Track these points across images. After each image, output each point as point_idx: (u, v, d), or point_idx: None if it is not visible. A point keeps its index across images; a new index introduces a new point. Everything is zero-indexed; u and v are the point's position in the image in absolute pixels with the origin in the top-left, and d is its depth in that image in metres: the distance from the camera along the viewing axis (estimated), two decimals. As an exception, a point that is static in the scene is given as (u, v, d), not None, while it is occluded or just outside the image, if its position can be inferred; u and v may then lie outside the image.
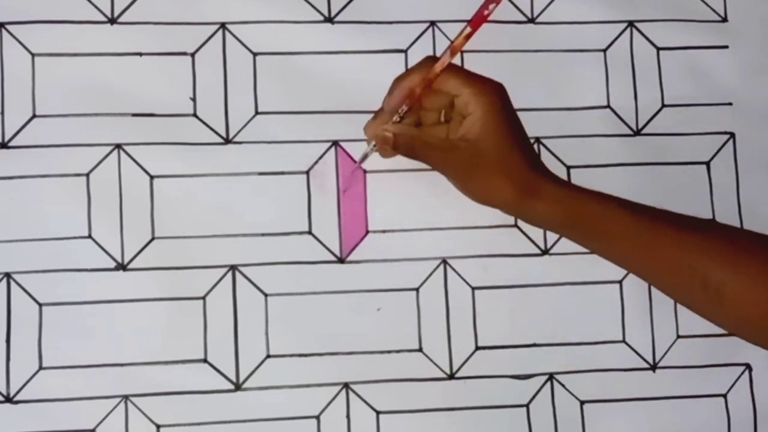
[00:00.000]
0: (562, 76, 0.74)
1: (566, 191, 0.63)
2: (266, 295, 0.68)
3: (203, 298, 0.68)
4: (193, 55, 0.70)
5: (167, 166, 0.69)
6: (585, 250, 0.67)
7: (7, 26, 0.69)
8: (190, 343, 0.67)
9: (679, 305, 0.70)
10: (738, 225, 0.74)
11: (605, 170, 0.73)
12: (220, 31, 0.71)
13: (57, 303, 0.66)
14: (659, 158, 0.74)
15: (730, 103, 0.75)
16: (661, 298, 0.69)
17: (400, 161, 0.70)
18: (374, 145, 0.66)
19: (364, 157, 0.68)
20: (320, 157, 0.70)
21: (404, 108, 0.63)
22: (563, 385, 0.70)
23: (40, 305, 0.66)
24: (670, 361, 0.71)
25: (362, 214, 0.70)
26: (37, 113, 0.68)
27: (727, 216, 0.74)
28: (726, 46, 0.76)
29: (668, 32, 0.75)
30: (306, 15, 0.72)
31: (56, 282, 0.66)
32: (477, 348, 0.70)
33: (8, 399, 0.65)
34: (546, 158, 0.72)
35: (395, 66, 0.72)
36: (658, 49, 0.75)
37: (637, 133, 0.74)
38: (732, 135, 0.75)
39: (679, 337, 0.72)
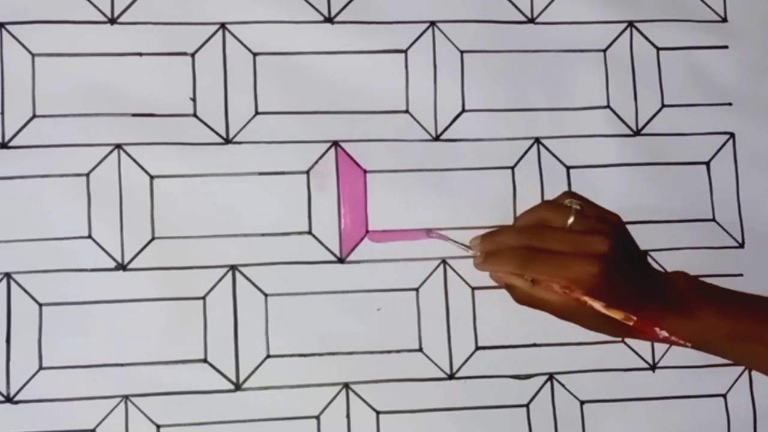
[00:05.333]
0: (562, 76, 0.74)
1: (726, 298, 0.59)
2: (266, 295, 0.68)
3: (203, 298, 0.68)
4: (193, 55, 0.70)
5: (167, 166, 0.69)
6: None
7: (7, 26, 0.69)
8: (190, 343, 0.67)
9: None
10: (738, 225, 0.74)
11: (605, 170, 0.73)
12: (220, 31, 0.71)
13: (57, 303, 0.66)
14: (659, 158, 0.74)
15: (730, 103, 0.75)
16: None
17: (399, 161, 0.71)
18: (476, 261, 0.60)
19: (455, 244, 0.64)
20: (320, 157, 0.70)
21: None
22: (563, 385, 0.70)
23: (40, 305, 0.66)
24: (669, 361, 0.71)
25: (362, 214, 0.70)
26: (37, 113, 0.68)
27: (727, 216, 0.74)
28: (726, 46, 0.76)
29: (668, 32, 0.75)
30: (306, 15, 0.72)
31: (56, 282, 0.66)
32: (477, 348, 0.70)
33: (8, 399, 0.65)
34: (546, 158, 0.72)
35: (395, 66, 0.72)
36: (658, 49, 0.75)
37: (637, 133, 0.74)
38: (732, 135, 0.75)
39: (679, 337, 0.72)
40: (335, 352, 0.68)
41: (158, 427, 0.66)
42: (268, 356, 0.68)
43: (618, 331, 0.59)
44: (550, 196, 0.72)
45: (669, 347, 0.71)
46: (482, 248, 0.60)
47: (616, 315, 0.57)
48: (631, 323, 0.57)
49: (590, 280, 0.55)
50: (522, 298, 0.59)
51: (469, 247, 0.61)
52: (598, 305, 0.56)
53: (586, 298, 0.56)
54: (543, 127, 0.73)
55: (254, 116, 0.70)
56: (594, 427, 0.70)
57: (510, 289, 0.60)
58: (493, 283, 0.70)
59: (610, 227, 0.57)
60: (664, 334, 0.58)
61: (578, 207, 0.57)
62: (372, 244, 0.70)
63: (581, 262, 0.55)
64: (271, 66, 0.71)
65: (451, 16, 0.73)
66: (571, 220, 0.57)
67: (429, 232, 0.67)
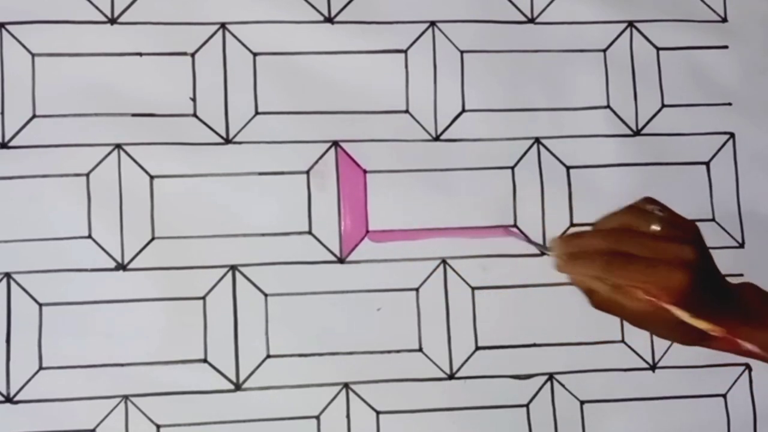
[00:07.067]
0: (562, 76, 0.74)
1: None
2: (266, 295, 0.68)
3: (203, 298, 0.68)
4: (193, 55, 0.70)
5: (167, 166, 0.69)
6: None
7: (7, 26, 0.69)
8: (190, 343, 0.67)
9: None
10: (738, 225, 0.74)
11: (605, 170, 0.73)
12: (220, 31, 0.71)
13: (57, 303, 0.66)
14: (659, 158, 0.74)
15: (730, 103, 0.75)
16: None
17: (399, 161, 0.71)
18: (557, 263, 0.57)
19: (533, 244, 0.61)
20: (320, 157, 0.70)
21: None
22: (563, 385, 0.70)
23: (40, 305, 0.66)
24: (669, 361, 0.71)
25: (362, 214, 0.70)
26: (37, 113, 0.68)
27: (727, 216, 0.74)
28: (726, 46, 0.76)
29: (668, 32, 0.75)
30: (306, 15, 0.72)
31: (56, 282, 0.66)
32: (477, 348, 0.70)
33: (8, 399, 0.65)
34: (546, 158, 0.72)
35: (395, 66, 0.72)
36: (658, 49, 0.75)
37: (637, 133, 0.74)
38: (732, 135, 0.75)
39: (679, 337, 0.72)
40: (335, 352, 0.68)
41: (158, 427, 0.66)
42: (268, 356, 0.68)
43: (695, 341, 0.57)
44: (550, 196, 0.72)
45: (669, 346, 0.71)
46: (564, 250, 0.58)
47: (703, 325, 0.55)
48: (717, 333, 0.56)
49: (678, 287, 0.53)
50: (600, 303, 0.58)
51: (548, 248, 0.60)
52: (684, 315, 0.55)
53: (670, 307, 0.55)
54: (543, 127, 0.72)
55: (254, 116, 0.70)
56: (594, 427, 0.70)
57: (589, 293, 0.58)
58: (493, 284, 0.71)
59: (692, 235, 0.56)
60: (747, 346, 0.56)
61: (662, 213, 0.56)
62: (372, 244, 0.70)
63: (669, 269, 0.53)
64: (271, 66, 0.71)
65: (451, 16, 0.73)
66: (655, 226, 0.56)
67: (507, 230, 0.66)
